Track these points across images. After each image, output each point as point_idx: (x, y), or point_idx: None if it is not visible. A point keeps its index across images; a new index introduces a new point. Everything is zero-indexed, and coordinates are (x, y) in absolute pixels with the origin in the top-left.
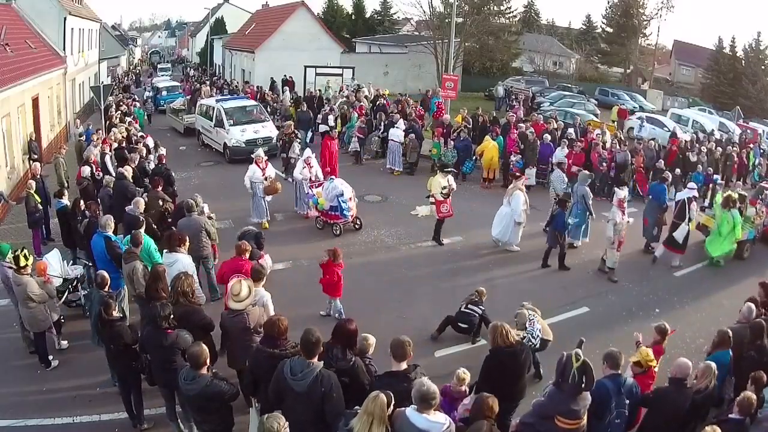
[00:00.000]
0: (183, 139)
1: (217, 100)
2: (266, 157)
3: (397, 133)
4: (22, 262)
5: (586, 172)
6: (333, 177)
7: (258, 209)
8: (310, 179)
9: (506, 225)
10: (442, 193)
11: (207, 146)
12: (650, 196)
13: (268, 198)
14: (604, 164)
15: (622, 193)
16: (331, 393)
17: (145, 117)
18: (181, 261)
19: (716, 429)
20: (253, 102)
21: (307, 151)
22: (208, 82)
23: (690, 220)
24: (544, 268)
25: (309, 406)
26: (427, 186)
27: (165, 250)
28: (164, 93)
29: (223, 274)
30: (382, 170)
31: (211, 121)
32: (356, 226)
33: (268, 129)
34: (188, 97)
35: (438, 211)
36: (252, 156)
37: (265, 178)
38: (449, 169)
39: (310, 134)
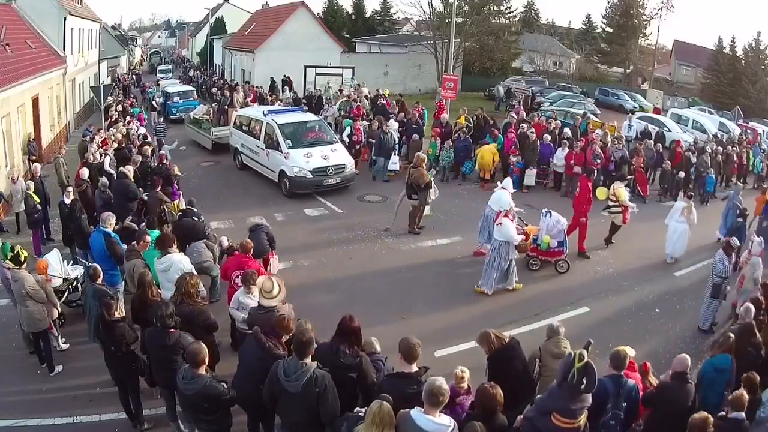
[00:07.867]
0: (211, 155)
1: (266, 113)
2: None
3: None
4: (22, 258)
5: (740, 185)
6: (548, 210)
7: (490, 274)
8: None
9: (682, 241)
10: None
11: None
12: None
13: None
14: (598, 161)
15: None
16: (326, 393)
17: (154, 142)
18: (175, 263)
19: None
20: (314, 116)
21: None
22: (241, 88)
23: None
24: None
25: (304, 407)
26: (615, 196)
27: (156, 258)
28: (177, 99)
29: (226, 270)
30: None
31: (258, 139)
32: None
33: (339, 154)
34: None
35: (624, 218)
36: (500, 208)
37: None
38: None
39: (396, 159)
